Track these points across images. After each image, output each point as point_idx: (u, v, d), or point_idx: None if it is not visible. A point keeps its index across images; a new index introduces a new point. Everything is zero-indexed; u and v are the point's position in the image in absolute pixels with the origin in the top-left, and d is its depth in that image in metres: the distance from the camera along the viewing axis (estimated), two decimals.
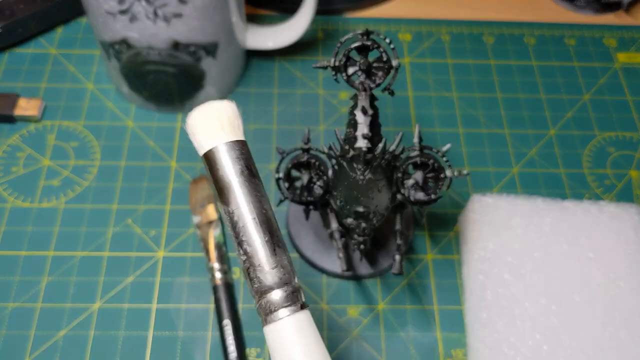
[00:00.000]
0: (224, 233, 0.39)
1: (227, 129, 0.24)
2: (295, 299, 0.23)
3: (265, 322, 0.23)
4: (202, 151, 0.24)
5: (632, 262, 0.37)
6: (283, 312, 0.22)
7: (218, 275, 0.36)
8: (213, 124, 0.24)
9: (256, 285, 0.23)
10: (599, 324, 0.34)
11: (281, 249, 0.23)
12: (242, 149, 0.24)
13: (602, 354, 0.34)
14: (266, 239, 0.23)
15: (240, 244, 0.23)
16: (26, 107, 0.43)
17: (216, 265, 0.37)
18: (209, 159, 0.24)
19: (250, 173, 0.24)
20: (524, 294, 0.35)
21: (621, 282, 0.36)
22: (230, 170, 0.23)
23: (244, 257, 0.23)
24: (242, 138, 0.24)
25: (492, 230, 0.38)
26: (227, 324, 0.35)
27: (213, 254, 0.37)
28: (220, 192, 0.23)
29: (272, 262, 0.23)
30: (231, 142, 0.24)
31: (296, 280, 0.23)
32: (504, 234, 0.37)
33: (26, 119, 0.43)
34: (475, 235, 0.38)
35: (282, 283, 0.23)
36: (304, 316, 0.23)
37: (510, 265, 0.36)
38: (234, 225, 0.23)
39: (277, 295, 0.22)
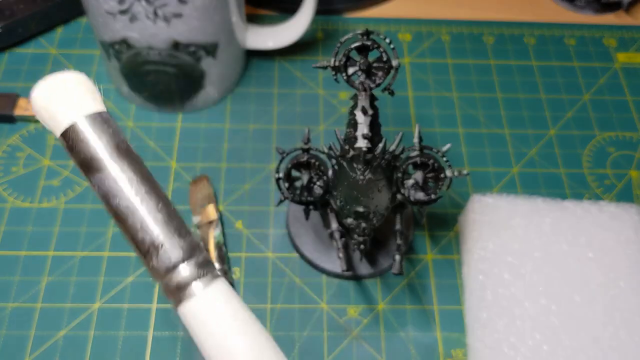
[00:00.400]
0: (224, 233, 0.39)
1: (86, 100, 0.20)
2: (208, 269, 0.19)
3: (179, 302, 0.19)
4: (60, 128, 0.19)
5: (632, 262, 0.37)
6: (197, 286, 0.19)
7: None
8: (67, 95, 0.20)
9: (156, 265, 0.19)
10: (599, 324, 0.34)
11: (178, 217, 0.20)
12: (109, 120, 0.20)
13: (602, 354, 0.34)
14: (160, 210, 0.19)
15: (122, 221, 0.19)
16: (26, 107, 0.43)
17: (216, 265, 0.37)
18: (71, 136, 0.19)
19: (127, 146, 0.20)
20: (524, 294, 0.35)
21: (621, 282, 0.36)
22: (101, 145, 0.19)
23: (135, 235, 0.19)
24: (104, 109, 0.20)
25: (492, 230, 0.38)
26: None
27: (213, 254, 0.37)
28: (90, 171, 0.19)
29: (171, 234, 0.19)
30: (94, 113, 0.20)
31: (202, 248, 0.20)
32: (504, 234, 0.37)
33: (26, 119, 0.43)
34: (475, 235, 0.38)
35: (188, 255, 0.19)
36: (223, 285, 0.19)
37: (510, 265, 0.36)
38: (115, 206, 0.19)
39: (185, 270, 0.19)
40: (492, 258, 0.37)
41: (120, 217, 0.19)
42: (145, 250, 0.19)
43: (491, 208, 0.38)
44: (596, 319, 0.35)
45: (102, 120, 0.20)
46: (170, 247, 0.19)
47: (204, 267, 0.19)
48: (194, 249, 0.19)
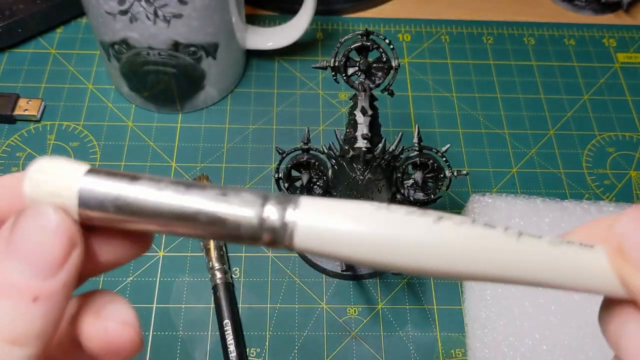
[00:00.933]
0: None
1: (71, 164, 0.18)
2: (285, 198, 0.18)
3: (290, 242, 0.18)
4: (75, 197, 0.18)
5: None
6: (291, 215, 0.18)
7: (218, 275, 0.36)
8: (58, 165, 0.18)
9: (246, 236, 0.18)
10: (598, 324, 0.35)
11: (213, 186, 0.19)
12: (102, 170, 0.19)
13: (601, 354, 0.34)
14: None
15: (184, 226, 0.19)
16: (26, 107, 0.43)
17: (216, 265, 0.37)
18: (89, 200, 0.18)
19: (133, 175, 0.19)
20: (523, 293, 0.35)
21: None
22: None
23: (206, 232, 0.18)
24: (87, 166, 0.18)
25: None
26: (228, 323, 0.35)
27: (213, 254, 0.37)
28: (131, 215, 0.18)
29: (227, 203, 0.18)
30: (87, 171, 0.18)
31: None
32: None
33: (26, 119, 0.43)
34: None
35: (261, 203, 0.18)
36: (307, 200, 0.18)
37: None
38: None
39: (268, 218, 0.18)
40: None
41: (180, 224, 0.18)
42: (227, 235, 0.18)
43: (490, 208, 0.38)
44: (595, 318, 0.35)
45: (96, 172, 0.18)
46: (238, 214, 0.18)
47: (281, 200, 0.18)
48: (259, 196, 0.18)
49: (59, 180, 0.18)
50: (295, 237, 0.18)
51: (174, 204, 0.18)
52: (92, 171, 0.18)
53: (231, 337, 0.35)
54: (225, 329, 0.35)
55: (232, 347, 0.34)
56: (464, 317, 0.37)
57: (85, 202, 0.18)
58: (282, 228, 0.18)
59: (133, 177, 0.18)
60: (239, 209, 0.18)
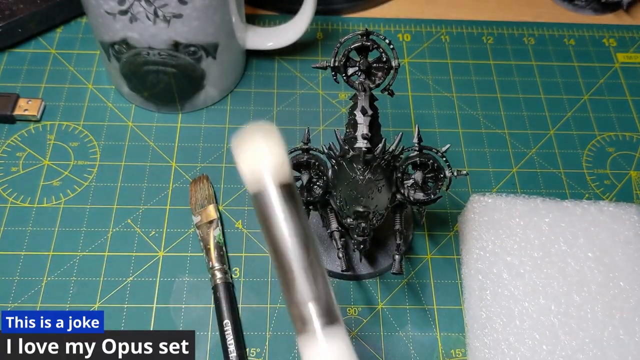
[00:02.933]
0: (223, 233, 0.39)
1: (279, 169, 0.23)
2: (334, 320, 0.22)
3: (300, 332, 0.22)
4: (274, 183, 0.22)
5: (632, 262, 0.37)
6: (317, 325, 0.22)
7: (218, 275, 0.36)
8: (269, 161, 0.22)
9: (295, 297, 0.23)
10: (599, 324, 0.34)
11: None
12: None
13: (602, 354, 0.34)
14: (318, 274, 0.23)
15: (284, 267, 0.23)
16: (26, 107, 0.43)
17: (216, 265, 0.37)
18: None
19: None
20: (523, 293, 0.35)
21: (621, 281, 0.36)
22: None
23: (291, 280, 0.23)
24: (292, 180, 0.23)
25: (491, 230, 0.38)
26: (228, 324, 0.35)
27: (213, 254, 0.37)
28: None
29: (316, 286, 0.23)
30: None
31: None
32: (503, 234, 0.37)
33: (26, 119, 0.43)
34: (474, 235, 0.38)
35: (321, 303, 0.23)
36: (341, 337, 0.22)
37: (509, 265, 0.36)
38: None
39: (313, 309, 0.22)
40: (491, 258, 0.37)
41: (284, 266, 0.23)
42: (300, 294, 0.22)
43: (490, 208, 0.38)
44: (596, 318, 0.35)
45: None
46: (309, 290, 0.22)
47: (331, 317, 0.22)
48: (329, 304, 0.22)
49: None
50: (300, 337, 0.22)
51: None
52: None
53: (231, 337, 0.35)
54: (225, 329, 0.35)
55: (232, 347, 0.34)
56: (464, 317, 0.37)
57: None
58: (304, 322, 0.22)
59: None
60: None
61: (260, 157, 0.22)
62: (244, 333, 0.36)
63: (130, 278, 0.37)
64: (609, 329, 0.34)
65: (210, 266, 0.37)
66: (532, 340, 0.34)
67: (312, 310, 0.22)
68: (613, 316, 0.35)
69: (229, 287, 0.36)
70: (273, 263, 0.23)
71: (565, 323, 0.35)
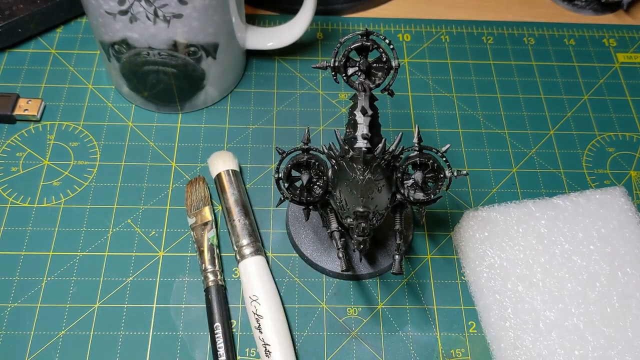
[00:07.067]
0: (217, 235, 0.39)
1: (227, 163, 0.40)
2: (257, 250, 0.37)
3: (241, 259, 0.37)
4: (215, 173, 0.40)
5: (631, 245, 0.36)
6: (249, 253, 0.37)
7: (210, 277, 0.36)
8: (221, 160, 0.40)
9: (241, 246, 0.37)
10: (619, 315, 0.34)
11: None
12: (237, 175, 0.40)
13: (630, 345, 0.33)
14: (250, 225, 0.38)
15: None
16: (26, 107, 0.43)
17: (209, 267, 0.36)
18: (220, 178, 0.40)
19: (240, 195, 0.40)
20: (542, 302, 0.35)
21: (627, 268, 0.36)
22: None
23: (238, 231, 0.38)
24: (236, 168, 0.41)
25: (494, 245, 0.37)
26: (218, 327, 0.35)
27: (206, 256, 0.37)
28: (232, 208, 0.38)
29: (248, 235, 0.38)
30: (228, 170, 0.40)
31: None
32: (506, 246, 0.37)
33: (26, 119, 0.43)
34: (479, 254, 0.37)
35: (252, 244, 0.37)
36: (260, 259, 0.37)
37: (521, 276, 0.36)
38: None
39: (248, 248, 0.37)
40: (502, 273, 0.36)
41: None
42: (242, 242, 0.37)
43: (486, 222, 0.38)
44: (615, 310, 0.34)
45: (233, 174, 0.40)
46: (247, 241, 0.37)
47: (255, 249, 0.37)
48: (256, 241, 0.38)
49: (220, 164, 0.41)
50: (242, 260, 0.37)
51: None
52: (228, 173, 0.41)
53: (221, 340, 0.34)
54: (215, 332, 0.35)
55: (221, 351, 0.34)
56: (485, 338, 0.36)
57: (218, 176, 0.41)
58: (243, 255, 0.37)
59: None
60: None
61: (218, 158, 0.40)
62: (243, 333, 0.36)
63: (130, 278, 0.37)
64: (629, 318, 0.34)
65: (203, 268, 0.37)
66: (563, 348, 0.34)
67: (244, 246, 0.37)
68: (630, 305, 0.34)
69: (221, 289, 0.36)
70: (225, 217, 0.38)
71: (589, 323, 0.34)
